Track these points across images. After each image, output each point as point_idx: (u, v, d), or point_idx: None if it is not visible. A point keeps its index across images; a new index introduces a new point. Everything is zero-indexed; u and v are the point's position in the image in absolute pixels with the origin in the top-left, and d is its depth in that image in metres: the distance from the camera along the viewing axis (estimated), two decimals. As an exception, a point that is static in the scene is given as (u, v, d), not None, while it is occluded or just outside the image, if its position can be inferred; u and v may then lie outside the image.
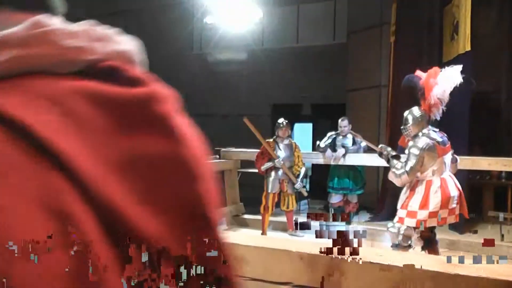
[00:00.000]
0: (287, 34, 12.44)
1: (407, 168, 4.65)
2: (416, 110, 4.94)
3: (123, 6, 15.03)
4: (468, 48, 7.11)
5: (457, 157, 5.35)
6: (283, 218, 7.34)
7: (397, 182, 4.80)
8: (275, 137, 7.21)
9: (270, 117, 12.24)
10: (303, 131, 12.54)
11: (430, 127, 4.90)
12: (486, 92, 8.26)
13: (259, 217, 7.37)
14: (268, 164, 7.00)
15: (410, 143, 4.82)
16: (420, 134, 4.80)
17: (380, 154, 5.15)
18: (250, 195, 7.95)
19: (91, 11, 16.26)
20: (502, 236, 6.67)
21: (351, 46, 10.38)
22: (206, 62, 14.01)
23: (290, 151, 7.10)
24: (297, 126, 12.51)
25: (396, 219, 4.91)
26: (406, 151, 4.79)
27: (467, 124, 7.29)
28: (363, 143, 7.36)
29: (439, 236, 6.61)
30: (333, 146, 7.40)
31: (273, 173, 7.03)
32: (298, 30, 12.46)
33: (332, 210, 7.60)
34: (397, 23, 8.57)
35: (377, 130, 9.17)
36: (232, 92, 13.39)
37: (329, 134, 7.56)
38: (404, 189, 4.90)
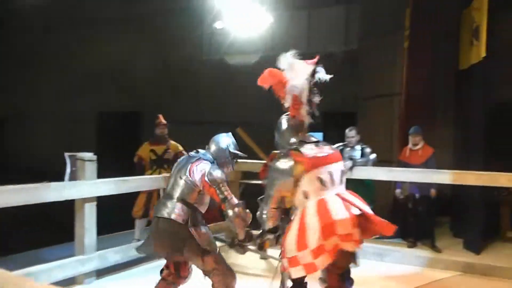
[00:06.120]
0: (297, 39, 12.04)
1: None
2: (282, 119, 3.75)
3: (134, 10, 14.81)
4: (483, 54, 6.68)
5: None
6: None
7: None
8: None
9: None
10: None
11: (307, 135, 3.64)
12: (509, 101, 7.71)
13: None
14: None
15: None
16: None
17: None
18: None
19: (102, 14, 16.03)
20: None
21: (364, 53, 9.89)
22: (216, 67, 13.70)
23: None
24: (306, 136, 12.03)
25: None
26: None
27: (484, 137, 6.80)
28: (373, 156, 6.91)
29: (454, 257, 6.15)
30: (340, 158, 6.90)
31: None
32: (308, 35, 12.06)
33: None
34: (411, 28, 8.05)
35: (390, 140, 8.65)
36: (241, 99, 13.02)
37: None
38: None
